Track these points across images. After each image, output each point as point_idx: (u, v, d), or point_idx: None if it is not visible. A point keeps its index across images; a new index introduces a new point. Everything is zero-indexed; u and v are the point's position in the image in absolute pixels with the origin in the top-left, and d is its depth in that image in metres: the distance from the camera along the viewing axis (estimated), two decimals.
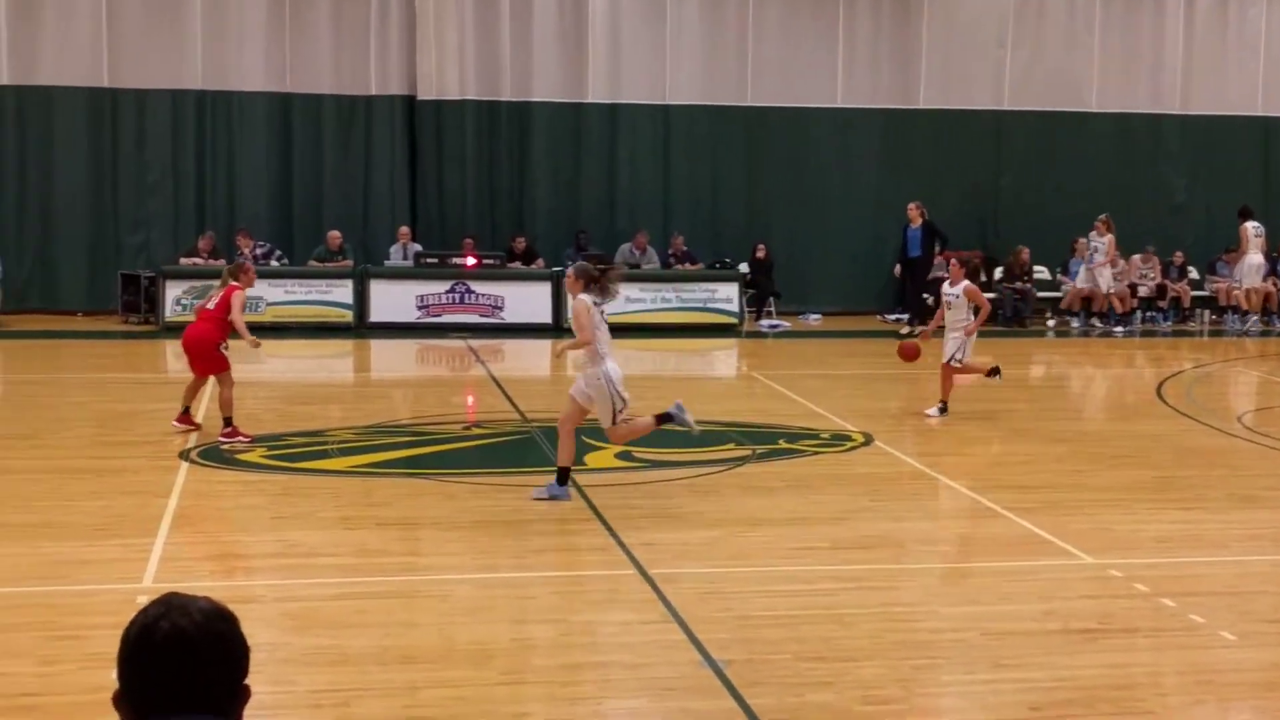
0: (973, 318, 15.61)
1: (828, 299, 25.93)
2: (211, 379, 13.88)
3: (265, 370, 18.87)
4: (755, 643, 7.96)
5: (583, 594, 9.21)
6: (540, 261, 24.03)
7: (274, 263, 23.10)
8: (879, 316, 25.51)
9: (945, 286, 16.01)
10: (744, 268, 24.77)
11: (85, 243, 23.81)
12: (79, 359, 19.82)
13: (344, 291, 22.93)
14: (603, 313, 11.29)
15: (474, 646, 7.89)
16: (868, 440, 14.32)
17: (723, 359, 22.25)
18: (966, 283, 15.68)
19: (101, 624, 7.98)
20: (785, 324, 24.64)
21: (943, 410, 15.60)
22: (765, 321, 24.43)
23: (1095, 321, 25.14)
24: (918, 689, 7.46)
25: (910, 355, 16.19)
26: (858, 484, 12.39)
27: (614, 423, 11.25)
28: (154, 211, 24.14)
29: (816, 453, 13.84)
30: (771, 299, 25.13)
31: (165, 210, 24.14)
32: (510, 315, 23.27)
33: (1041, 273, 25.98)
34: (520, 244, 24.20)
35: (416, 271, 23.18)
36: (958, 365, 15.60)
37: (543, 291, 23.39)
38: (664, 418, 11.42)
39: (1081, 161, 26.57)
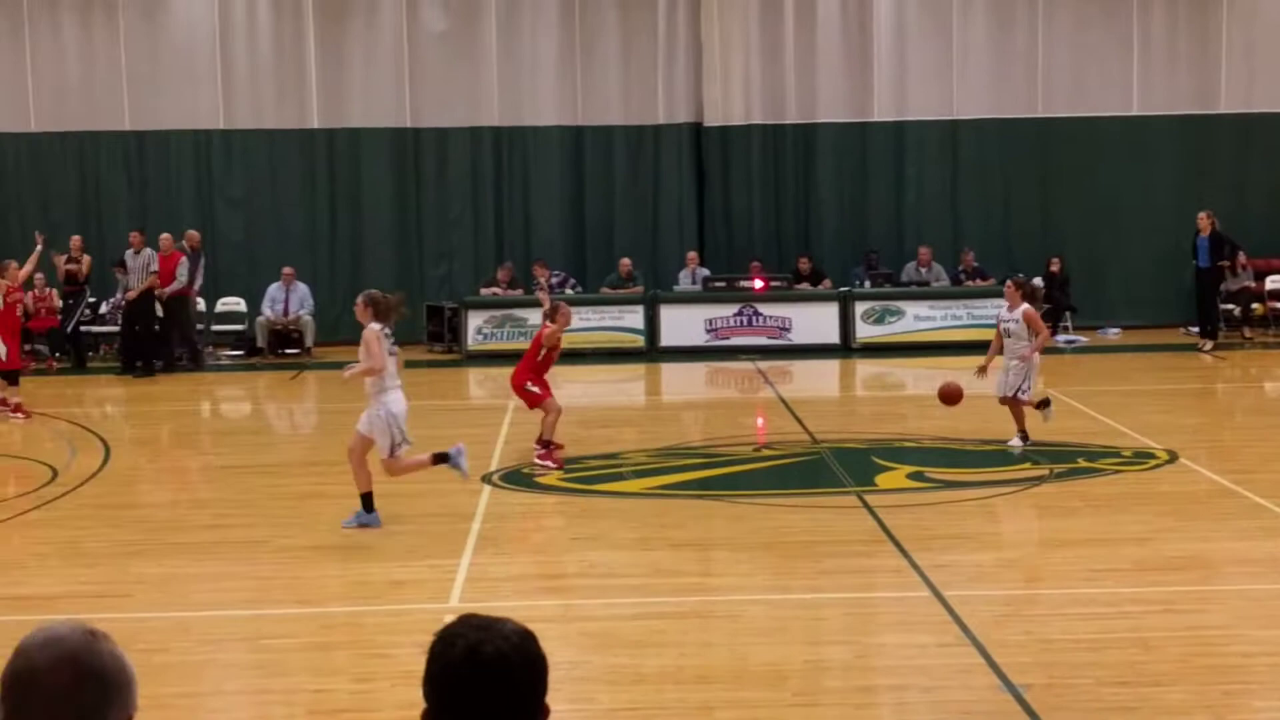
0: (1032, 341, 14.36)
1: (1126, 312, 25.09)
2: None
3: (562, 395, 19.37)
4: (1055, 666, 7.79)
5: (876, 616, 9.17)
6: (827, 282, 23.99)
7: (568, 290, 23.71)
8: (1182, 329, 24.55)
9: (1002, 313, 14.76)
10: (1038, 282, 24.16)
11: (391, 276, 24.84)
12: None
13: (635, 317, 23.35)
14: (392, 343, 11.88)
15: (767, 667, 7.94)
16: (1172, 458, 13.82)
17: None
18: (1026, 307, 14.41)
19: (412, 643, 8.34)
20: (1082, 339, 23.96)
21: (1024, 438, 14.40)
22: (1062, 337, 23.80)
23: None
24: (1228, 715, 7.18)
25: (951, 398, 14.24)
26: (1162, 503, 11.97)
27: (391, 455, 11.47)
28: (455, 244, 25.07)
29: (1118, 471, 13.42)
30: (1068, 314, 24.47)
31: (466, 243, 25.04)
32: (798, 336, 23.29)
33: None
34: (806, 265, 24.21)
35: (705, 295, 23.44)
36: (1024, 399, 14.42)
37: (830, 312, 23.34)
38: (440, 458, 11.68)
39: None
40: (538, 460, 13.89)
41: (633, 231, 25.07)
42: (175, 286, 21.69)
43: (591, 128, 24.93)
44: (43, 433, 16.91)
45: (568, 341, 22.29)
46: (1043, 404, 14.49)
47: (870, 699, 7.54)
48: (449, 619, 2.77)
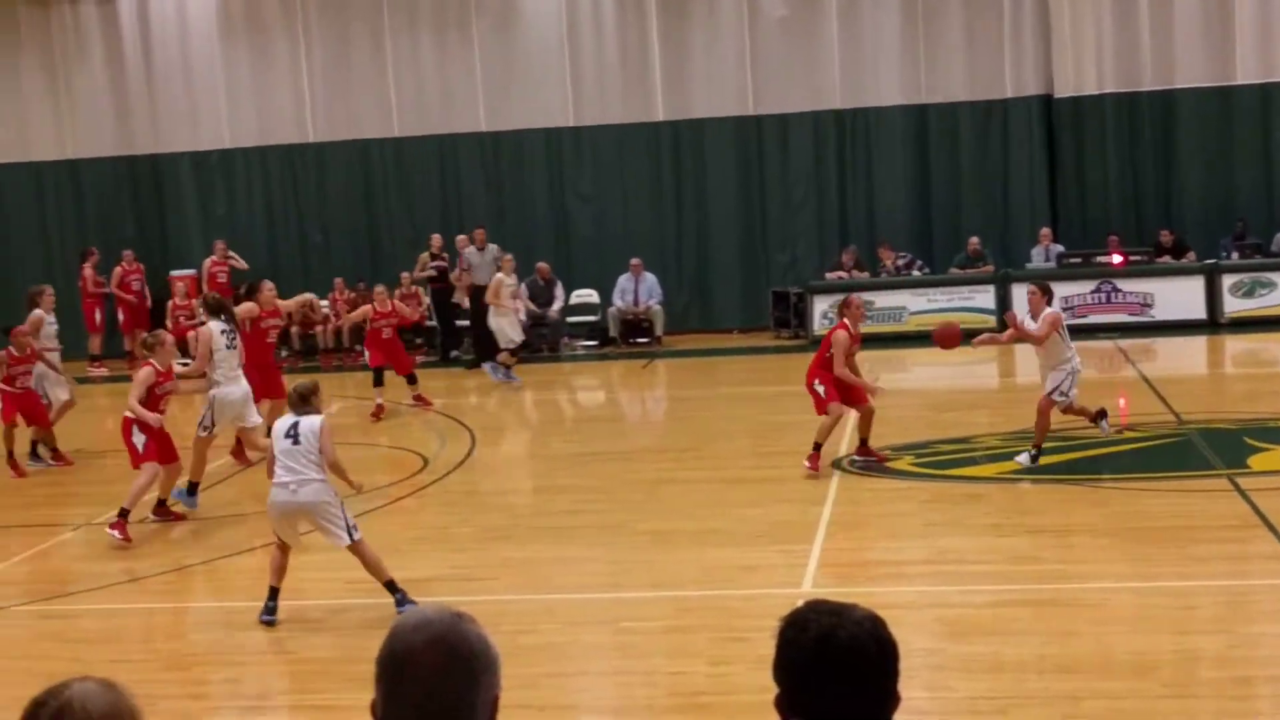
0: (1070, 350, 12.95)
1: None
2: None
3: (911, 379, 19.17)
4: None
5: (1252, 604, 8.70)
6: (1191, 255, 22.87)
7: (915, 272, 23.41)
8: None
9: (1025, 320, 13.23)
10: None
11: (737, 263, 25.08)
12: (734, 374, 20.91)
13: (986, 297, 22.84)
14: (231, 340, 13.21)
15: (1135, 657, 7.65)
16: None
17: None
18: (1049, 310, 12.96)
19: (767, 627, 8.38)
20: None
21: (1035, 458, 12.81)
22: None
23: None
24: None
25: (948, 340, 13.23)
26: None
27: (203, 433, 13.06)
28: (799, 229, 25.08)
29: None
30: None
31: (810, 227, 25.02)
32: (1161, 313, 22.31)
33: None
34: (1168, 238, 23.15)
35: (1059, 272, 22.70)
36: (1061, 401, 12.94)
37: (1195, 286, 22.26)
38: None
39: None
40: (858, 455, 13.42)
41: (981, 210, 24.52)
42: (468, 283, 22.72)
43: (936, 105, 24.49)
44: (414, 423, 17.78)
45: (916, 325, 22.09)
46: (1099, 415, 13.40)
47: (1248, 690, 7.16)
48: (801, 605, 2.76)
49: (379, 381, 17.97)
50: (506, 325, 19.89)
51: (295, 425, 9.40)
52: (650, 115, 24.92)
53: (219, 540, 12.01)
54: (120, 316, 24.24)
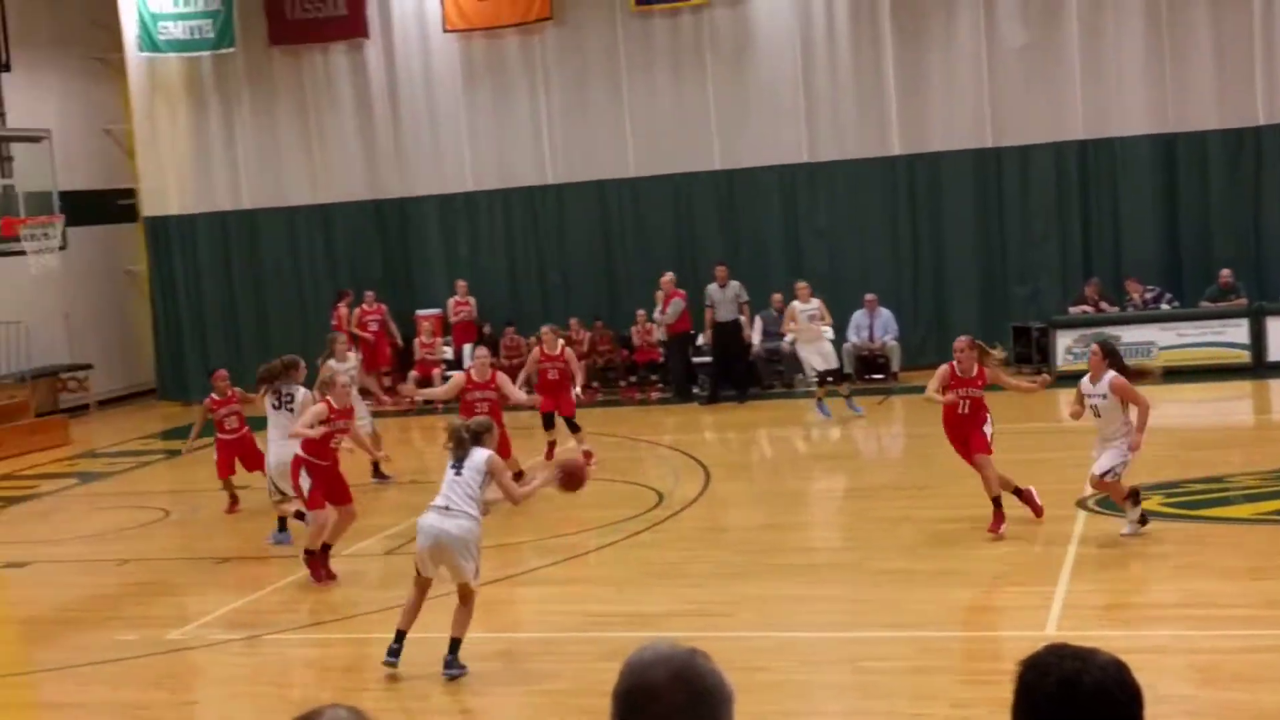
0: (1131, 422, 11.53)
1: None
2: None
3: (1159, 416, 18.49)
4: None
5: None
6: None
7: (1164, 306, 22.66)
8: None
9: (1084, 384, 11.94)
10: None
11: (976, 298, 24.64)
12: None
13: (1239, 331, 21.96)
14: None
15: None
16: None
17: None
18: (1113, 375, 11.59)
19: (1010, 670, 8.19)
20: None
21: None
22: None
23: None
24: None
25: (571, 481, 9.64)
26: None
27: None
28: (1040, 263, 24.51)
29: None
30: None
31: (1051, 260, 24.43)
32: None
33: None
34: None
35: None
36: (1113, 481, 11.60)
37: None
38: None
39: None
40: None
41: (1233, 241, 23.60)
42: (663, 320, 22.84)
43: (1184, 134, 23.71)
44: (648, 459, 17.92)
45: (1163, 359, 21.35)
46: (1131, 495, 11.75)
47: None
48: (1040, 648, 2.70)
49: (549, 425, 17.28)
50: (808, 354, 20.06)
51: (463, 458, 9.51)
52: (886, 150, 24.71)
53: None
54: (360, 356, 25.02)
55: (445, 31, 25.60)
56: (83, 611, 12.55)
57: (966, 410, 12.55)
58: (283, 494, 13.66)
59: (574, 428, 17.13)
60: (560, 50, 25.66)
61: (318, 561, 12.20)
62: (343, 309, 24.68)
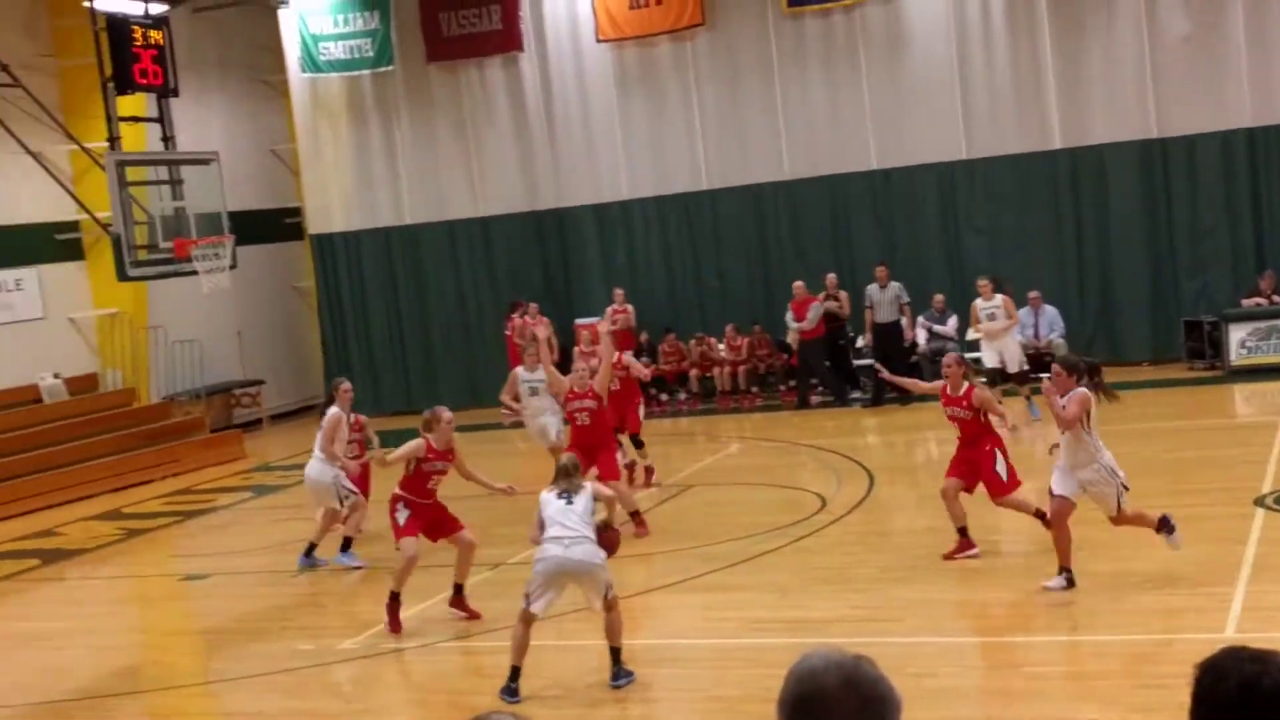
0: (1100, 444, 10.58)
1: None
2: None
3: None
4: None
5: None
6: None
7: None
8: None
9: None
10: None
11: (1144, 293, 24.05)
12: (1146, 408, 20.00)
13: None
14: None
15: None
16: None
17: None
18: (1081, 391, 10.52)
19: (1188, 674, 7.98)
20: None
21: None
22: None
23: None
24: None
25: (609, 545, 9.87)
26: None
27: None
28: (1210, 255, 23.84)
29: None
30: None
31: (1222, 252, 23.74)
32: None
33: None
34: None
35: None
36: (1133, 514, 10.80)
37: None
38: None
39: None
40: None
41: None
42: (804, 327, 22.61)
43: None
44: (809, 463, 17.82)
45: None
46: (1163, 522, 10.78)
47: None
48: (1217, 651, 2.63)
49: (638, 444, 17.06)
50: (987, 353, 20.01)
51: (568, 489, 9.56)
52: (1046, 144, 24.24)
53: (626, 579, 12.34)
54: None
55: (598, 41, 25.77)
56: (260, 622, 12.89)
57: (959, 433, 12.05)
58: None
59: (638, 444, 16.98)
60: (713, 55, 25.66)
61: (393, 608, 11.67)
62: (516, 319, 24.95)
